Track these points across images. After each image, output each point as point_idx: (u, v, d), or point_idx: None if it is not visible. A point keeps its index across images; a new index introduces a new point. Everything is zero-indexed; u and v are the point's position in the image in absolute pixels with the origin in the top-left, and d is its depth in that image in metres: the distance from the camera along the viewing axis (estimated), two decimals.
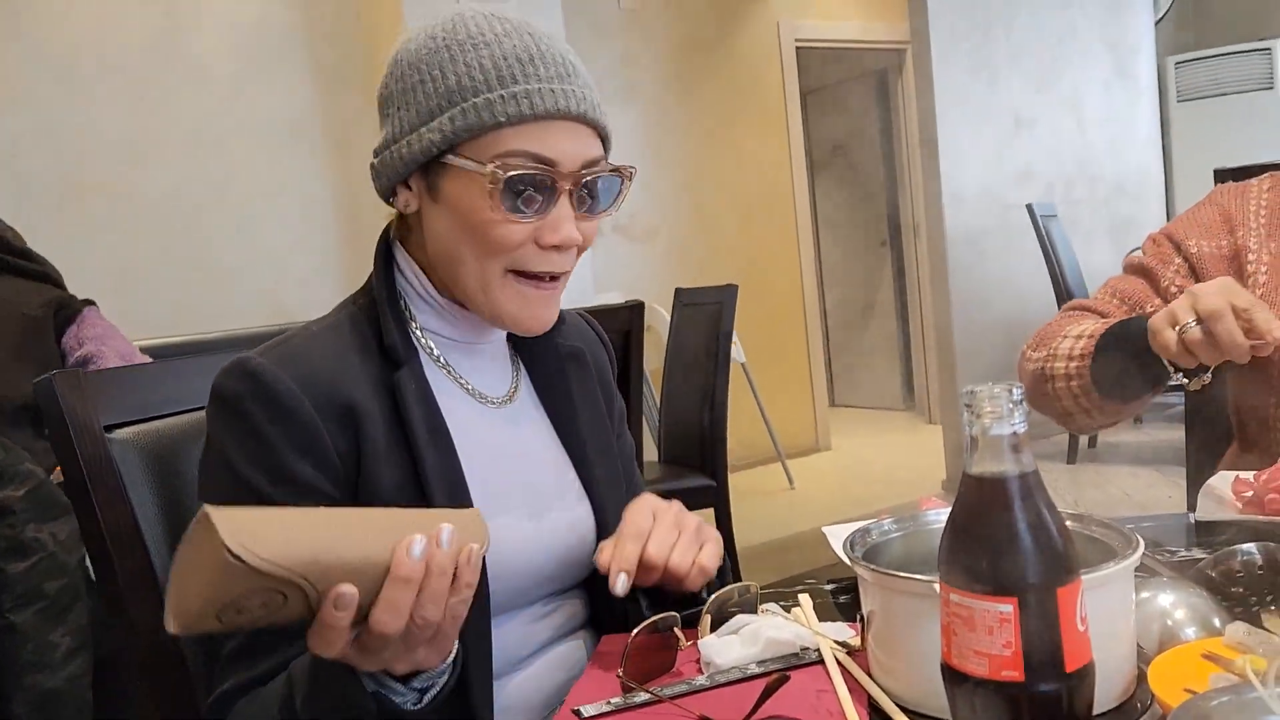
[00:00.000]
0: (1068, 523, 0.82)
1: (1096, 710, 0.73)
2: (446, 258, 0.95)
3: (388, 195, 0.98)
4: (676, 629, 0.85)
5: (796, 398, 5.51)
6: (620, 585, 0.90)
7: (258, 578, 0.59)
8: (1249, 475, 1.10)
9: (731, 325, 2.92)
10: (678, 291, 3.19)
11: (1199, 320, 1.10)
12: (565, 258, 0.94)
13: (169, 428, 1.08)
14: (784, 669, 0.82)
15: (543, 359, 1.07)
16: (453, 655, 0.79)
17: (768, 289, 5.32)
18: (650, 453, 3.23)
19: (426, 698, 0.77)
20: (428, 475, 0.90)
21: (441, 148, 0.90)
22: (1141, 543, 0.76)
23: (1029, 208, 4.28)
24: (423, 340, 0.98)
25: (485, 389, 1.01)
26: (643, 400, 3.04)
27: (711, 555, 0.95)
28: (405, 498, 0.89)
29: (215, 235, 3.74)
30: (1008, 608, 0.53)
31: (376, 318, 0.96)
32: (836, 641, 0.85)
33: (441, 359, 0.99)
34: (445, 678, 0.79)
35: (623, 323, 2.54)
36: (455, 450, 0.93)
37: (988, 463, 0.55)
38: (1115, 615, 0.74)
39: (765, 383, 4.99)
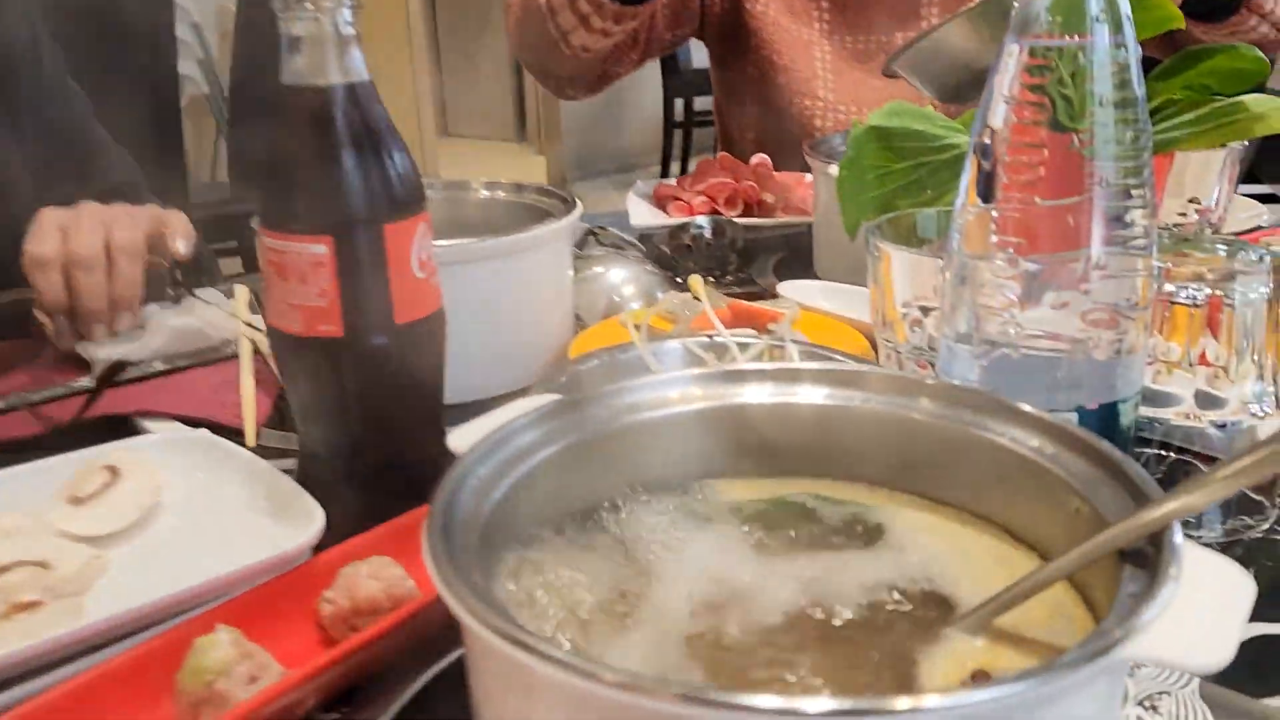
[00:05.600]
0: (501, 194, 0.76)
1: (522, 385, 0.68)
2: None
3: None
4: (37, 313, 0.68)
5: (402, 124, 5.18)
6: None
7: None
8: (671, 181, 1.09)
9: None
10: None
11: None
12: None
13: None
14: (192, 365, 0.70)
15: None
16: None
17: (369, 4, 4.86)
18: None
19: None
20: None
21: None
22: (580, 205, 0.71)
23: None
24: None
25: None
26: None
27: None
28: None
29: None
30: (322, 249, 0.43)
31: None
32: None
33: None
34: None
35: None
36: None
37: (307, 69, 0.43)
38: (546, 283, 0.69)
39: None
